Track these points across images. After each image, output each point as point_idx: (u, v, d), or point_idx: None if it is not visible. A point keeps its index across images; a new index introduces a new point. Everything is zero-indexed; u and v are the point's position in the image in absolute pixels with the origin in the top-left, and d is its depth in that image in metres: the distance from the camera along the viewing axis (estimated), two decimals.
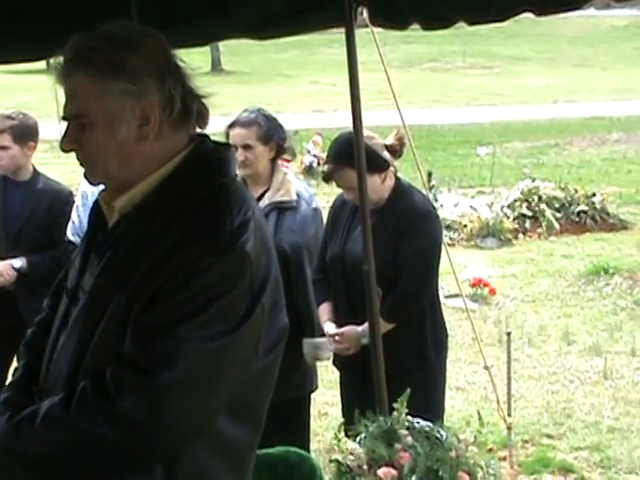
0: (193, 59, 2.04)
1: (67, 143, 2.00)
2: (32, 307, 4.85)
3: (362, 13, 3.48)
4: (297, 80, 30.22)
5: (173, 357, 1.81)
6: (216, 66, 32.72)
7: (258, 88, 27.22)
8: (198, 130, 2.06)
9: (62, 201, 5.08)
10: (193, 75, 2.03)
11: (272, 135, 4.12)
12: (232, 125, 4.13)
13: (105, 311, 1.91)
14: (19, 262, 4.88)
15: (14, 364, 5.08)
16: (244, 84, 28.30)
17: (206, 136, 2.08)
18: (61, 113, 2.02)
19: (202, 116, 2.04)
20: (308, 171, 13.61)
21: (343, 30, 3.59)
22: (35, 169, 5.11)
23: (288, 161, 4.98)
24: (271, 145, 4.13)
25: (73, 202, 5.15)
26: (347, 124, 3.80)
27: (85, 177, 2.05)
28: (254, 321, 1.90)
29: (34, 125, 5.04)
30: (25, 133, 4.95)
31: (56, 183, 5.26)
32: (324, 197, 8.81)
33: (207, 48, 31.97)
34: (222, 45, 31.20)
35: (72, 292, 2.08)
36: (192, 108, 2.00)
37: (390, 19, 3.43)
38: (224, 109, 4.51)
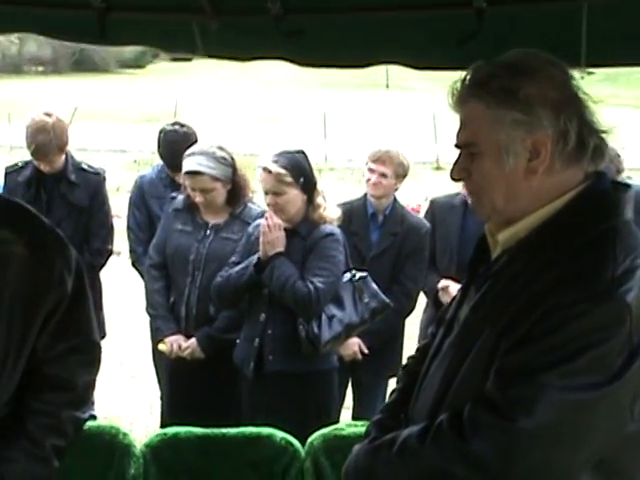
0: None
1: (457, 171, 1.98)
2: None
3: None
4: None
5: (533, 403, 1.72)
6: None
7: None
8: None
9: None
10: (595, 108, 1.91)
11: None
12: None
13: (474, 345, 1.87)
14: None
15: None
16: None
17: (604, 174, 1.94)
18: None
19: (599, 152, 1.90)
20: None
21: None
22: None
23: None
24: None
25: None
26: None
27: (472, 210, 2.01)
28: (630, 377, 1.74)
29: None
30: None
31: None
32: None
33: None
34: None
35: (448, 323, 2.07)
36: (588, 143, 1.88)
37: None
38: None
